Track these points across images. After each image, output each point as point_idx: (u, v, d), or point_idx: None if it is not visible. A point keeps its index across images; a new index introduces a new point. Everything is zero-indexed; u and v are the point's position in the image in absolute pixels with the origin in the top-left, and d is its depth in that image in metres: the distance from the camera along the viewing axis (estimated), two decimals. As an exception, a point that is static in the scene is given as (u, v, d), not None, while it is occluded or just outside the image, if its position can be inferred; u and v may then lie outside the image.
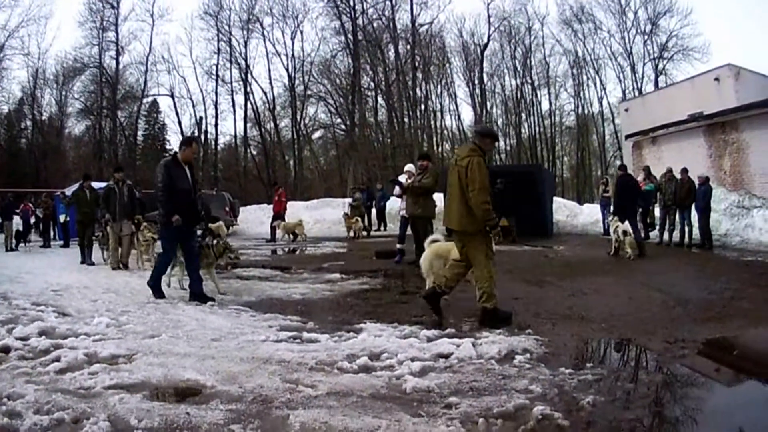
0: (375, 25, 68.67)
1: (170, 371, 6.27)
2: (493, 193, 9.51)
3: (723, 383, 6.70)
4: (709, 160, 29.78)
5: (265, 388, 5.76)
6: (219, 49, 68.68)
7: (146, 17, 67.59)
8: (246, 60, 69.12)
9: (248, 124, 71.37)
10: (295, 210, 35.50)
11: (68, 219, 27.39)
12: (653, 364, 6.98)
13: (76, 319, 9.28)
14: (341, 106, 70.93)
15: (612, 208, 22.09)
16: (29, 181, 57.08)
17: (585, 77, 70.90)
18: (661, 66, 65.31)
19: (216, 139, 72.32)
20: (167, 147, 73.59)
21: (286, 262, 18.23)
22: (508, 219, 24.20)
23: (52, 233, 29.53)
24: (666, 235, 22.45)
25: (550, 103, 73.22)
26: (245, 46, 69.02)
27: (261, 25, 69.24)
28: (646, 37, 65.86)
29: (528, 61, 72.03)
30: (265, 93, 70.62)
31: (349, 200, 35.68)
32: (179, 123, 70.54)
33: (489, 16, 70.63)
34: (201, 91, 70.43)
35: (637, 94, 59.61)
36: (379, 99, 71.03)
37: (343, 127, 71.68)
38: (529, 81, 72.73)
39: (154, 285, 11.66)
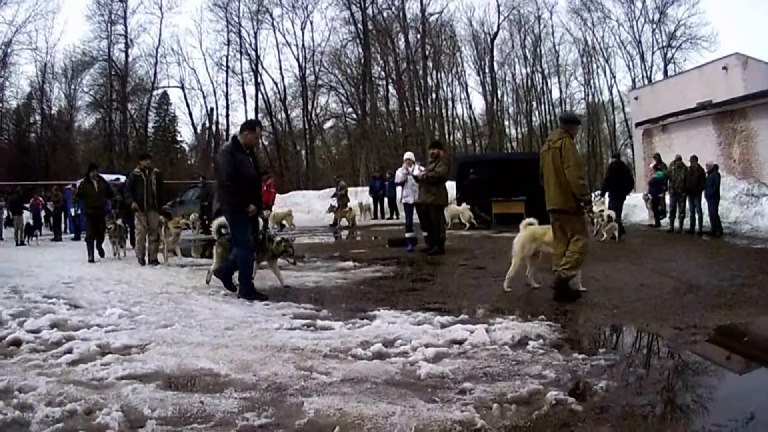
0: (385, 14, 68.76)
1: (183, 360, 6.29)
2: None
3: (733, 370, 6.72)
4: (718, 148, 29.67)
5: (279, 376, 5.79)
6: (229, 41, 68.80)
7: (155, 10, 67.79)
8: (256, 51, 69.25)
9: (259, 115, 71.14)
10: (308, 199, 35.63)
11: (80, 212, 27.44)
12: (665, 350, 6.98)
13: (88, 310, 9.32)
14: (352, 95, 71.03)
15: (601, 191, 22.51)
16: (39, 175, 57.21)
17: (595, 66, 70.83)
18: (669, 55, 65.19)
19: (227, 130, 72.04)
20: (178, 139, 74.02)
21: (299, 251, 18.22)
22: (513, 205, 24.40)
23: (63, 226, 29.53)
24: (677, 223, 22.48)
25: (561, 92, 73.01)
26: (255, 37, 69.15)
27: (271, 15, 69.34)
28: (654, 25, 65.71)
29: (538, 50, 71.89)
30: (275, 83, 70.78)
31: (333, 190, 35.01)
32: (190, 115, 70.88)
33: (498, 5, 70.52)
34: (211, 82, 70.61)
35: (646, 82, 59.45)
36: (390, 88, 71.18)
37: (354, 116, 71.76)
38: (540, 69, 72.63)
39: (248, 288, 10.61)
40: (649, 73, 65.31)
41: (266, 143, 72.15)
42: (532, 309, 8.96)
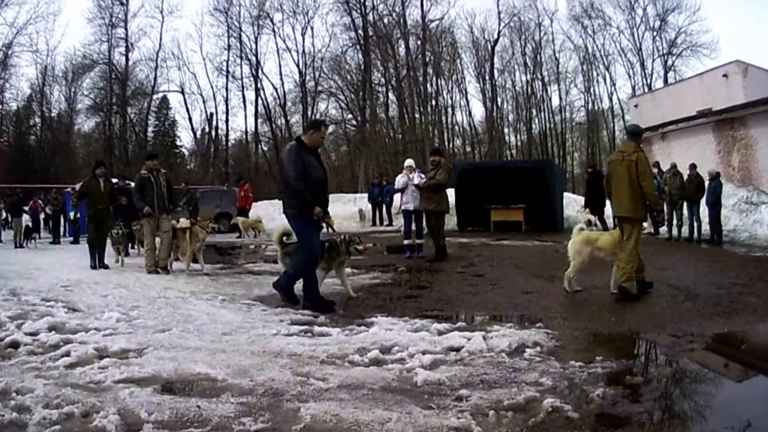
0: (385, 20, 68.98)
1: (181, 365, 6.28)
2: None
3: (731, 378, 6.73)
4: (718, 156, 29.75)
5: (276, 381, 5.78)
6: (229, 45, 69.18)
7: (156, 14, 68.37)
8: (257, 56, 69.61)
9: (259, 120, 71.82)
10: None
11: (78, 215, 27.41)
12: (662, 358, 7.01)
13: (86, 314, 9.28)
14: (352, 101, 71.29)
15: (583, 202, 22.98)
16: (38, 177, 57.29)
17: (595, 73, 71.22)
18: (670, 62, 65.56)
19: (227, 135, 72.71)
20: (177, 143, 74.09)
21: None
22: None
23: (62, 230, 29.50)
24: (675, 231, 22.49)
25: (561, 99, 73.58)
26: (256, 42, 69.59)
27: (271, 21, 69.80)
28: (655, 33, 66.06)
29: (538, 57, 72.31)
30: (275, 89, 71.19)
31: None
32: (190, 119, 71.25)
33: (499, 12, 71.07)
34: (211, 87, 71.08)
35: (646, 90, 59.67)
36: (390, 95, 71.52)
37: (354, 122, 72.04)
38: (540, 77, 73.04)
39: (315, 296, 10.17)
40: (649, 81, 65.69)
41: (265, 149, 72.28)
42: (530, 316, 9.01)
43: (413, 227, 17.24)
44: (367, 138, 65.87)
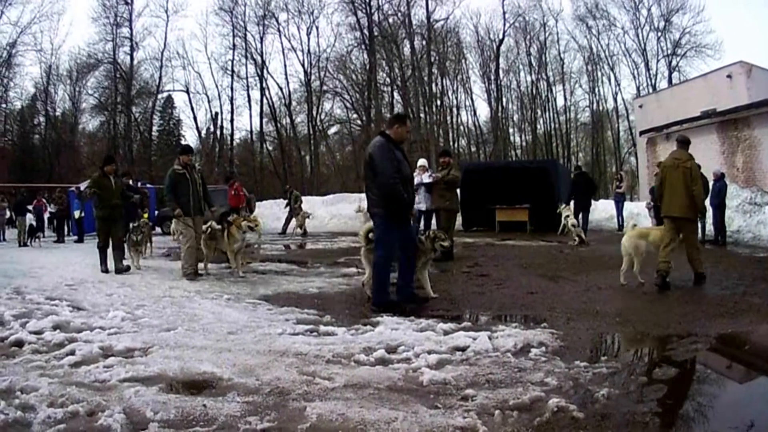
0: (390, 20, 68.84)
1: (186, 364, 6.31)
2: None
3: (735, 378, 6.72)
4: (722, 157, 29.74)
5: (282, 381, 5.79)
6: (234, 45, 69.15)
7: (160, 13, 68.21)
8: (262, 56, 69.59)
9: (264, 120, 71.67)
10: (312, 205, 35.60)
11: (83, 215, 27.39)
12: (666, 358, 6.94)
13: (90, 313, 9.33)
14: (357, 101, 71.30)
15: (566, 200, 23.66)
16: (42, 176, 57.49)
17: (599, 73, 71.23)
18: (674, 63, 65.43)
19: (231, 135, 72.68)
20: (182, 143, 73.93)
21: (302, 257, 18.22)
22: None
23: (66, 229, 29.47)
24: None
25: (565, 99, 73.58)
26: (261, 42, 69.52)
27: (276, 20, 69.72)
28: (659, 33, 65.99)
29: (543, 57, 72.25)
30: (281, 88, 71.01)
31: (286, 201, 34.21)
32: (194, 119, 71.11)
33: (504, 12, 70.83)
34: (216, 86, 71.07)
35: (651, 90, 59.60)
36: (395, 94, 71.32)
37: (359, 122, 72.06)
38: (545, 77, 73.01)
39: (384, 298, 9.86)
40: (653, 81, 65.64)
41: (270, 148, 72.27)
42: (535, 317, 9.01)
43: (422, 227, 17.14)
44: (372, 138, 65.58)
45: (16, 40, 62.12)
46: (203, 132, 72.43)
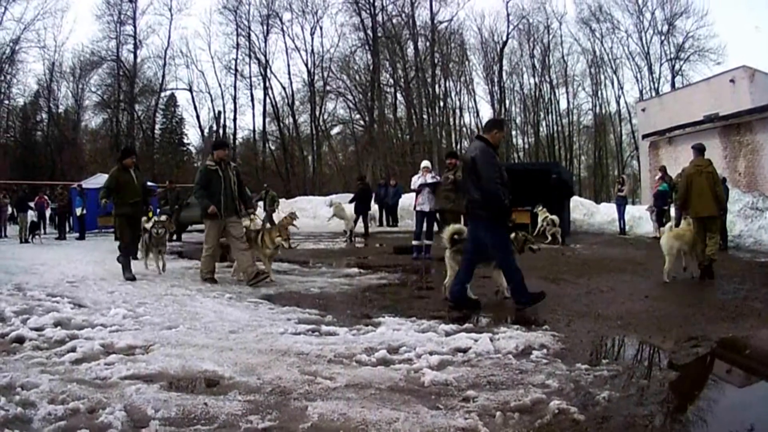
0: (394, 21, 68.68)
1: (188, 362, 6.32)
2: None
3: (735, 383, 6.75)
4: (724, 161, 29.72)
5: (284, 380, 5.81)
6: (238, 44, 69.13)
7: (164, 11, 68.33)
8: (265, 55, 69.56)
9: (267, 119, 71.77)
10: (314, 205, 35.62)
11: (85, 212, 27.41)
12: (667, 362, 7.00)
13: (92, 310, 9.35)
14: (360, 102, 71.17)
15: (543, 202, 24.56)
16: (44, 173, 57.62)
17: (603, 77, 70.88)
18: (677, 66, 65.27)
19: (234, 134, 72.59)
20: (185, 141, 74.21)
21: (304, 256, 18.21)
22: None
23: (67, 226, 29.46)
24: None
25: (568, 102, 73.25)
26: (264, 42, 69.44)
27: (280, 20, 69.64)
28: (662, 37, 65.82)
29: (546, 60, 72.08)
30: (284, 88, 71.05)
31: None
32: (197, 117, 71.19)
33: (508, 14, 70.64)
34: (220, 85, 71.08)
35: (654, 94, 59.53)
36: (399, 95, 71.15)
37: (362, 123, 71.87)
38: (548, 80, 72.81)
39: (524, 291, 9.89)
40: (656, 85, 65.47)
41: (273, 148, 72.33)
42: (536, 319, 9.01)
43: (424, 228, 17.23)
44: (375, 138, 65.85)
45: (19, 36, 62.25)
46: (206, 131, 72.50)
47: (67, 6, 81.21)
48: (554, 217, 23.02)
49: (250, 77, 70.48)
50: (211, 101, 71.32)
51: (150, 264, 14.74)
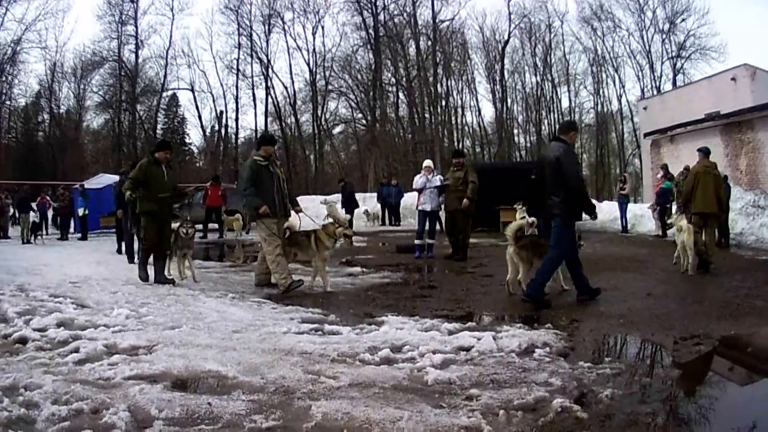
0: (396, 20, 68.89)
1: (191, 362, 6.32)
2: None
3: (737, 380, 6.76)
4: (725, 160, 29.64)
5: (287, 379, 5.81)
6: (240, 44, 69.28)
7: (166, 11, 68.53)
8: (267, 55, 69.68)
9: (269, 119, 71.74)
10: (315, 204, 35.59)
11: (87, 212, 27.41)
12: (669, 360, 6.99)
13: (95, 310, 9.30)
14: (362, 101, 71.29)
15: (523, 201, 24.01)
16: (46, 174, 57.67)
17: (604, 75, 71.11)
18: (679, 65, 65.45)
19: (236, 134, 72.86)
20: (187, 141, 74.28)
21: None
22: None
23: (71, 227, 29.44)
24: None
25: (570, 101, 73.47)
26: (266, 41, 69.63)
27: (282, 19, 69.82)
28: (664, 35, 65.95)
29: (548, 59, 72.32)
30: (286, 88, 71.27)
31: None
32: (199, 117, 71.45)
33: (510, 13, 70.89)
34: (221, 85, 71.31)
35: (655, 92, 59.61)
36: (401, 95, 71.39)
37: (364, 122, 72.04)
38: (549, 78, 73.03)
39: (542, 296, 10.02)
40: (658, 83, 65.57)
41: (275, 148, 72.27)
42: (539, 317, 9.04)
43: (426, 227, 17.25)
44: (377, 138, 65.85)
45: (21, 37, 62.42)
46: (208, 131, 72.67)
47: (69, 6, 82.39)
48: (532, 218, 22.74)
49: (252, 77, 70.72)
50: (213, 101, 71.69)
51: (176, 270, 13.54)
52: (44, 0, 62.91)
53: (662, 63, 66.29)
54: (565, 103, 73.61)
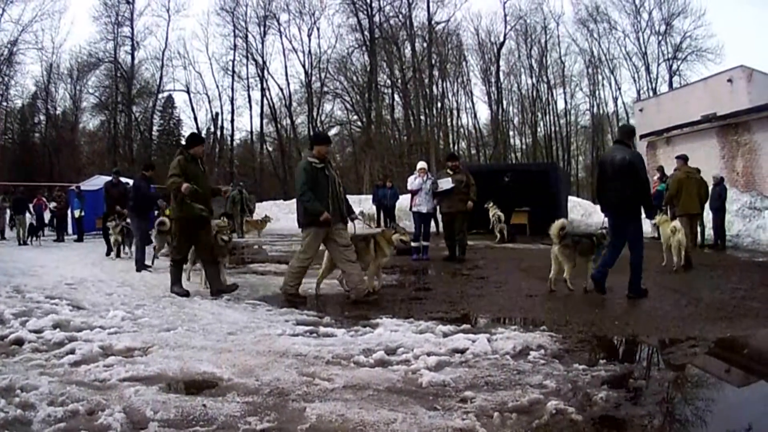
0: (392, 22, 68.96)
1: (186, 364, 6.32)
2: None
3: (733, 382, 6.76)
4: (721, 161, 29.73)
5: (282, 381, 5.81)
6: (235, 45, 69.55)
7: (162, 12, 68.68)
8: (262, 56, 69.95)
9: (264, 121, 72.00)
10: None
11: (83, 214, 27.37)
12: (665, 362, 7.06)
13: (90, 312, 9.32)
14: (357, 103, 71.50)
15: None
16: (42, 175, 57.61)
17: (600, 77, 71.26)
18: (675, 66, 65.58)
19: (232, 135, 72.92)
20: (182, 143, 74.11)
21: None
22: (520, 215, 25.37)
23: (68, 228, 29.39)
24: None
25: (566, 103, 73.60)
26: (262, 43, 69.96)
27: (277, 21, 70.07)
28: (660, 37, 66.11)
29: (544, 60, 72.34)
30: (281, 89, 71.37)
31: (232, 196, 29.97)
32: (195, 119, 71.39)
33: (505, 15, 71.01)
34: (217, 86, 71.57)
35: (651, 94, 59.77)
36: (396, 96, 71.53)
37: (359, 124, 72.25)
38: (545, 80, 73.08)
39: (642, 289, 10.86)
40: (654, 85, 65.85)
41: (270, 149, 72.37)
42: (534, 319, 9.04)
43: (422, 229, 17.25)
44: (373, 139, 65.98)
45: (17, 38, 62.40)
46: (203, 132, 72.50)
47: (65, 8, 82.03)
48: (501, 214, 24.24)
49: (248, 78, 70.89)
50: (209, 102, 71.73)
51: (193, 277, 13.18)
52: (41, 1, 63.03)
53: (658, 65, 66.54)
54: (560, 105, 73.90)
